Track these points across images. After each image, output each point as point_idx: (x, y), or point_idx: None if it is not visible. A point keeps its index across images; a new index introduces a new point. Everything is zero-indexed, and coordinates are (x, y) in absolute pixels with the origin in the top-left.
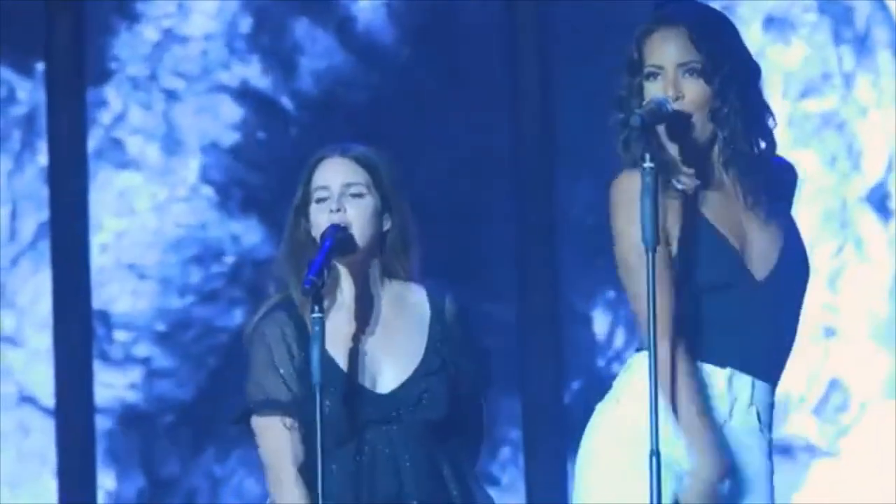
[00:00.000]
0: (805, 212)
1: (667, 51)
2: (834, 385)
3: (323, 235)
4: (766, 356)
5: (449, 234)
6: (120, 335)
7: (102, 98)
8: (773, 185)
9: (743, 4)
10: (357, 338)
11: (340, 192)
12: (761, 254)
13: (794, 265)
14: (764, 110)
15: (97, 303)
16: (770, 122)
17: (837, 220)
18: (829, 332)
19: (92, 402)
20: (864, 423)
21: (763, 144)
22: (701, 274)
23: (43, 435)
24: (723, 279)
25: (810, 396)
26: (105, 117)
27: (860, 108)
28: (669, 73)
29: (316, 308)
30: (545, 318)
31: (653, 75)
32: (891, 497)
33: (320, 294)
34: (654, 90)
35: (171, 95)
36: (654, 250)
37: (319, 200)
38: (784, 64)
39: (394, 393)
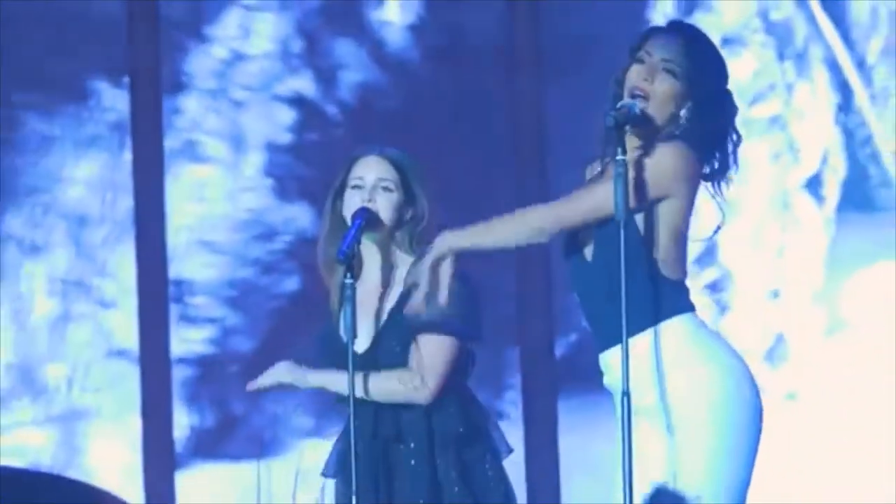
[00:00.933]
0: (755, 197)
1: (658, 46)
2: (780, 338)
3: (353, 215)
4: None
5: (459, 216)
6: (198, 300)
7: (178, 106)
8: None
9: (704, 25)
10: (383, 301)
11: (373, 185)
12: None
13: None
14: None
15: (181, 274)
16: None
17: (781, 204)
18: (775, 294)
19: (168, 354)
20: (804, 367)
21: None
22: None
23: (131, 381)
24: None
25: (761, 347)
26: (182, 122)
27: (799, 113)
28: (654, 61)
29: (348, 275)
30: (540, 285)
31: (640, 60)
32: (828, 421)
33: (351, 264)
34: (634, 72)
35: (237, 104)
36: (625, 224)
37: (354, 188)
38: (737, 76)
39: (364, 352)
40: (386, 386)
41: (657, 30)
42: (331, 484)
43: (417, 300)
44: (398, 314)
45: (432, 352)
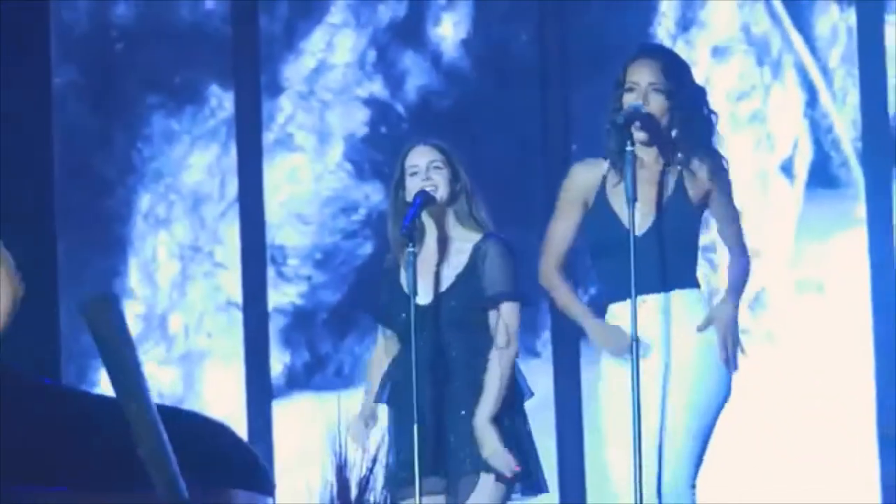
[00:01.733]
0: (739, 177)
1: (640, 73)
2: (760, 291)
3: (414, 197)
4: None
5: (495, 200)
6: (291, 262)
7: (276, 106)
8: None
9: (698, 38)
10: (440, 266)
11: (426, 167)
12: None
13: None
14: (710, 112)
15: (278, 241)
16: (714, 120)
17: (761, 182)
18: (756, 254)
19: (267, 306)
20: (779, 314)
21: (706, 138)
22: None
23: (237, 328)
24: None
25: (745, 298)
26: (279, 118)
27: (775, 109)
28: (643, 88)
29: (410, 245)
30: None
31: (630, 89)
32: (798, 356)
33: (413, 236)
34: (630, 100)
35: (323, 103)
36: (634, 202)
37: (412, 174)
38: (725, 78)
39: (428, 304)
40: (503, 364)
41: (634, 59)
42: (384, 408)
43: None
44: (463, 279)
45: (512, 315)
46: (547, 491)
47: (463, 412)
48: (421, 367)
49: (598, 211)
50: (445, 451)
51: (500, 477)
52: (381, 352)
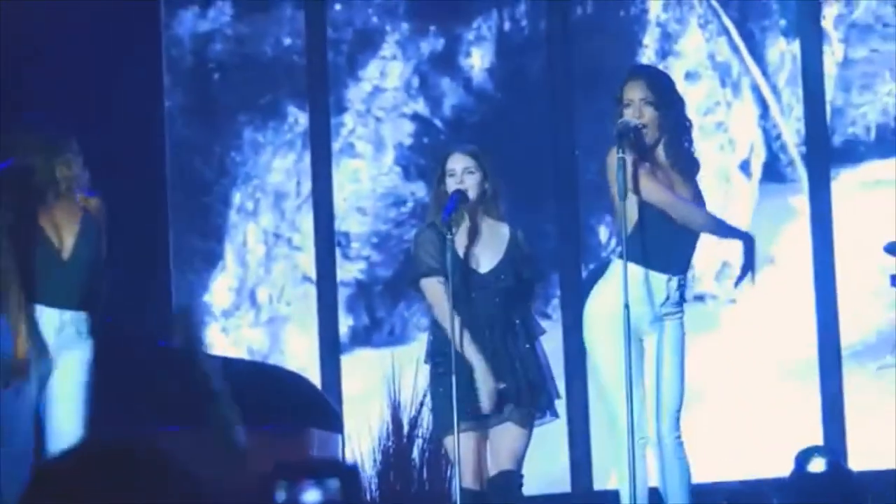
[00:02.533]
0: (707, 174)
1: (634, 90)
2: (725, 263)
3: (451, 194)
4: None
5: (514, 195)
6: (354, 245)
7: (341, 121)
8: (690, 162)
9: (674, 65)
10: (469, 246)
11: (462, 171)
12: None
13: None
14: (688, 124)
15: (343, 228)
16: (689, 126)
17: (724, 178)
18: None
19: (335, 279)
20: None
21: (686, 143)
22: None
23: (311, 298)
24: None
25: (712, 270)
26: (343, 132)
27: (735, 120)
28: (636, 103)
29: (448, 231)
30: (571, 235)
31: (627, 105)
32: (755, 315)
33: (451, 224)
34: (630, 114)
35: (378, 119)
36: (625, 199)
37: (450, 176)
38: (695, 97)
39: (487, 273)
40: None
41: (628, 79)
42: (425, 368)
43: None
44: (508, 259)
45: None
46: (557, 417)
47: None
48: (472, 325)
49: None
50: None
51: (521, 422)
52: (438, 300)
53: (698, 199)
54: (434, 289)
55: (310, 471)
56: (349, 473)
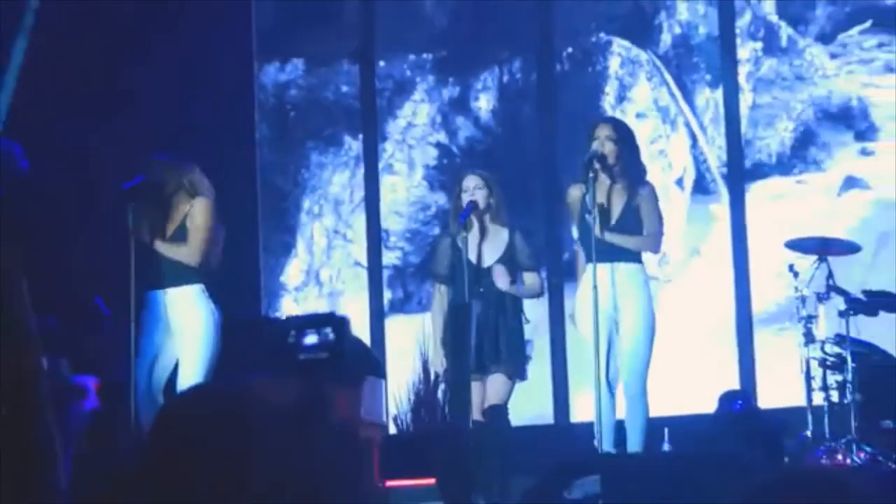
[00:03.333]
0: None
1: (601, 131)
2: (664, 255)
3: (466, 204)
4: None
5: (514, 204)
6: (392, 239)
7: (383, 147)
8: (637, 179)
9: (627, 108)
10: (479, 244)
11: (473, 188)
12: (625, 210)
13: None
14: (639, 157)
15: (385, 226)
16: (639, 153)
17: (664, 192)
18: (662, 233)
19: (381, 264)
20: (676, 268)
21: (640, 168)
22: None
23: (362, 278)
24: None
25: (655, 259)
26: (385, 155)
27: (673, 148)
28: (602, 139)
29: (464, 232)
30: (554, 234)
31: (595, 139)
32: (688, 293)
33: (466, 227)
34: (597, 145)
35: (410, 146)
36: (594, 210)
37: (464, 191)
38: (643, 131)
39: (489, 266)
40: (534, 284)
41: (597, 123)
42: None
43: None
44: (507, 255)
45: (535, 282)
46: (525, 379)
47: (495, 335)
48: (479, 308)
49: (581, 212)
50: (482, 359)
51: (508, 374)
52: (438, 300)
53: (651, 213)
54: (438, 295)
55: (310, 323)
56: (339, 322)
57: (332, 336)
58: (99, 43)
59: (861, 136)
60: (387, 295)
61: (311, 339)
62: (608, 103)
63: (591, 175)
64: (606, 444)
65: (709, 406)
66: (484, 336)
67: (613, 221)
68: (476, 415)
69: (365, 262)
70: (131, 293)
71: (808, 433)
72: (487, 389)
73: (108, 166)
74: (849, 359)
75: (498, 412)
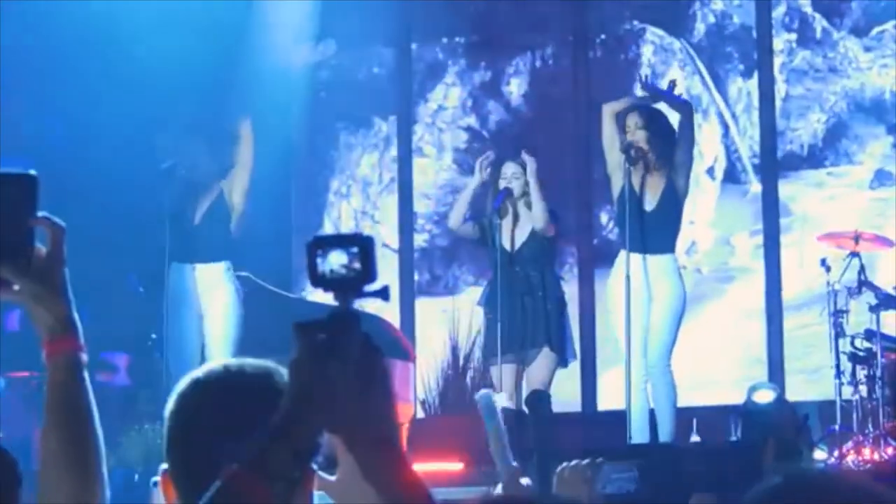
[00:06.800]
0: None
1: (631, 119)
2: (693, 243)
3: (500, 190)
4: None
5: (550, 186)
6: (420, 221)
7: (414, 130)
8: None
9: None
10: (513, 231)
11: (510, 175)
12: (662, 197)
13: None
14: (671, 140)
15: (414, 208)
16: (673, 143)
17: (696, 180)
18: (691, 222)
19: (412, 245)
20: (704, 256)
21: (666, 152)
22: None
23: (393, 260)
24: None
25: (683, 247)
26: (415, 138)
27: (705, 138)
28: (631, 128)
29: (497, 217)
30: (584, 217)
31: (628, 126)
32: (718, 282)
33: (500, 213)
34: (628, 135)
35: (440, 129)
36: (630, 200)
37: (502, 178)
38: (676, 120)
39: (519, 248)
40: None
41: (628, 111)
42: (479, 310)
43: None
44: (532, 239)
45: (544, 215)
46: (575, 358)
47: (531, 311)
48: (509, 287)
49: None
50: (519, 336)
51: (553, 349)
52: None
53: (673, 190)
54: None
55: (337, 241)
56: (365, 241)
57: (358, 253)
58: (134, 14)
59: (893, 129)
60: (424, 277)
61: (337, 257)
62: (640, 91)
63: (626, 165)
64: (637, 434)
65: (738, 398)
66: (519, 320)
67: (650, 209)
68: (507, 400)
69: (392, 244)
70: (165, 269)
71: (837, 427)
72: (531, 374)
73: (137, 145)
74: (878, 354)
75: (542, 398)
